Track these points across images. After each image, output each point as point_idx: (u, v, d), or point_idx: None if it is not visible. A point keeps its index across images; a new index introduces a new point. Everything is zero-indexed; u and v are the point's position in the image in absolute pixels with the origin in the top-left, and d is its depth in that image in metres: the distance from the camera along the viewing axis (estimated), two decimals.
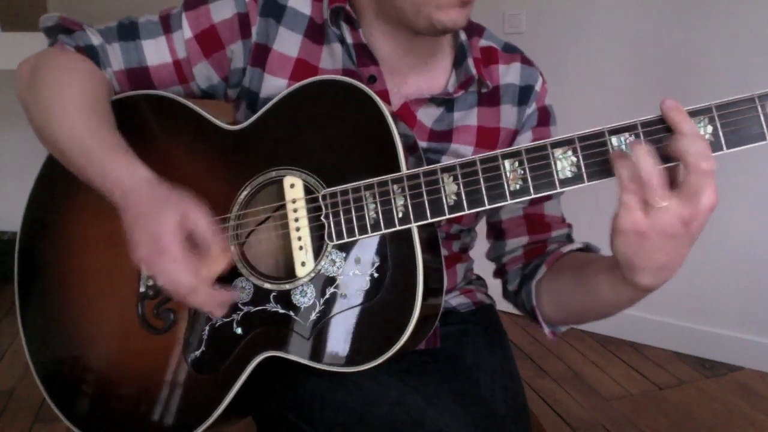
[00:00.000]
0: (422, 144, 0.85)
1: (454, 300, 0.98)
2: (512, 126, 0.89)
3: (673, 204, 0.56)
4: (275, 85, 0.82)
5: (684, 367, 2.07)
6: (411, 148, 0.74)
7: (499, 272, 0.95)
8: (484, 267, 1.01)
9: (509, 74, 0.89)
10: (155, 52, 0.83)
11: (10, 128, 2.69)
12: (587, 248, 0.85)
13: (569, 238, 0.91)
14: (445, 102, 0.85)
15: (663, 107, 0.57)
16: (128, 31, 0.83)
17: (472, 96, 0.87)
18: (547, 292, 0.83)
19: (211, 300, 0.69)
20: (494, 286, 1.01)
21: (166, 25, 0.83)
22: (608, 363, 2.10)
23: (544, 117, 0.91)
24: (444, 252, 0.93)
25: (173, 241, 0.66)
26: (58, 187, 0.86)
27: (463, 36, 0.86)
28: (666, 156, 0.57)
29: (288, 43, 0.82)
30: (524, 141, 0.89)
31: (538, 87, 0.90)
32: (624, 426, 1.76)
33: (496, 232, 0.93)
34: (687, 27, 1.92)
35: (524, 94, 0.89)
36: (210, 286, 0.69)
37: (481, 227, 0.99)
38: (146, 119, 0.84)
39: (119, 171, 0.71)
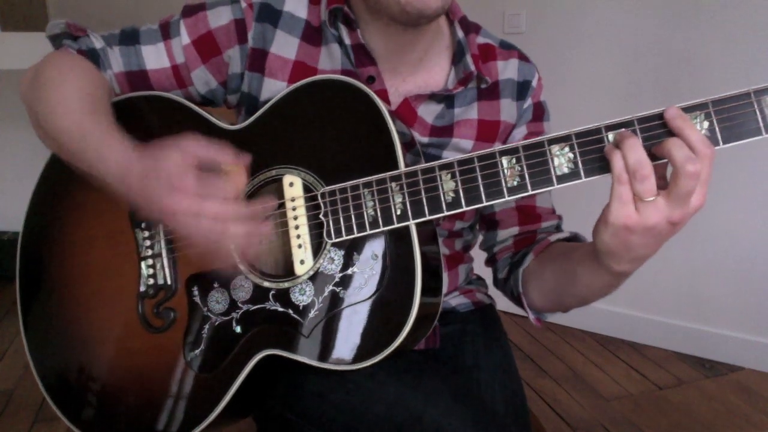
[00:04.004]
0: (423, 139, 0.86)
1: (454, 300, 0.99)
2: (512, 120, 0.91)
3: (661, 202, 0.57)
4: (274, 88, 0.83)
5: (684, 367, 2.06)
6: (408, 144, 0.74)
7: (490, 261, 0.97)
8: (484, 267, 1.01)
9: (507, 70, 0.90)
10: (154, 57, 0.84)
11: (10, 128, 2.69)
12: (574, 238, 0.88)
13: (558, 229, 0.93)
14: (446, 99, 0.86)
15: (667, 116, 0.58)
16: (129, 37, 0.85)
17: (471, 92, 0.88)
18: (534, 279, 0.85)
19: (251, 220, 0.65)
20: (494, 287, 1.01)
21: (165, 32, 0.85)
22: (608, 363, 2.10)
23: (539, 112, 0.92)
24: (446, 251, 0.93)
25: (185, 174, 0.63)
26: (60, 188, 0.86)
27: (460, 34, 0.87)
28: (658, 156, 0.58)
29: (285, 46, 0.83)
30: (519, 135, 0.91)
31: (534, 83, 0.91)
32: (624, 426, 1.75)
33: (489, 224, 0.95)
34: (686, 27, 1.92)
35: (522, 89, 0.90)
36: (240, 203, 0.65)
37: None
38: (146, 119, 0.84)
39: (115, 154, 0.70)
